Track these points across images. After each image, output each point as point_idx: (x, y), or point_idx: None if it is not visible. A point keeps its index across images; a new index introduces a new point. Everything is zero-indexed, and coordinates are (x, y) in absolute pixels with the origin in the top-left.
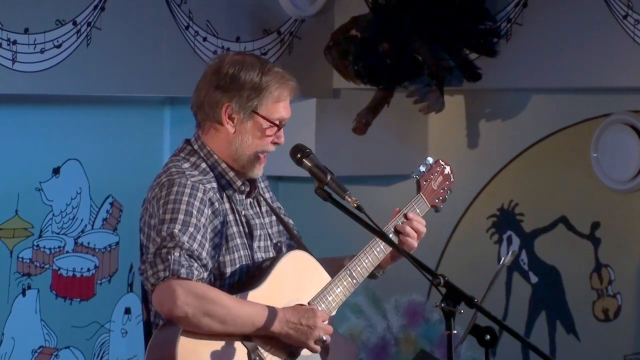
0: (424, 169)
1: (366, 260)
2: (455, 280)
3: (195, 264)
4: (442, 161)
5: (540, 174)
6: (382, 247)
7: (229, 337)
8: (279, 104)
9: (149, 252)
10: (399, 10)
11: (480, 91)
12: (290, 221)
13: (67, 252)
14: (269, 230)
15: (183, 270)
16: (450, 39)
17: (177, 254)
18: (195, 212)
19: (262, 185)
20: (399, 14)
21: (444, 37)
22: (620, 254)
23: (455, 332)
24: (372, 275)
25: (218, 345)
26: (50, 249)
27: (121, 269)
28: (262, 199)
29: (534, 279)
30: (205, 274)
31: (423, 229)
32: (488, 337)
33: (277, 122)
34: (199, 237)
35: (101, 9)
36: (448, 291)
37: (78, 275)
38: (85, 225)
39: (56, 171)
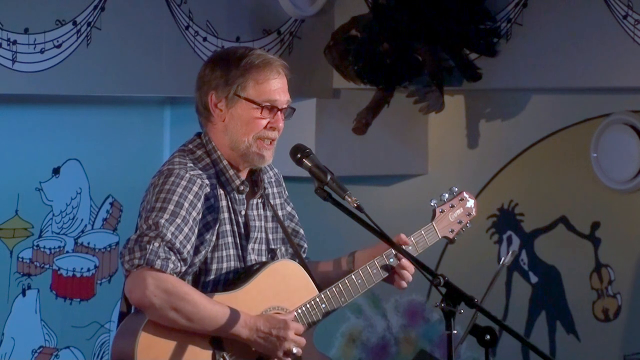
0: (445, 197)
1: (359, 280)
2: (455, 280)
3: (173, 257)
4: (466, 193)
5: (540, 174)
6: (378, 268)
7: (197, 336)
8: (264, 85)
9: (131, 238)
10: (399, 10)
11: (480, 91)
12: (301, 231)
13: (67, 252)
14: (270, 236)
15: (158, 262)
16: (450, 39)
17: (156, 244)
18: (186, 204)
19: (274, 190)
20: (399, 14)
21: (444, 37)
22: (620, 254)
23: (455, 332)
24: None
25: (182, 341)
26: (50, 249)
27: (121, 269)
28: (269, 205)
29: (534, 279)
30: (184, 268)
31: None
32: (488, 337)
33: (265, 104)
34: (185, 229)
35: (101, 9)
36: (448, 291)
37: (78, 275)
38: (85, 225)
39: (56, 171)
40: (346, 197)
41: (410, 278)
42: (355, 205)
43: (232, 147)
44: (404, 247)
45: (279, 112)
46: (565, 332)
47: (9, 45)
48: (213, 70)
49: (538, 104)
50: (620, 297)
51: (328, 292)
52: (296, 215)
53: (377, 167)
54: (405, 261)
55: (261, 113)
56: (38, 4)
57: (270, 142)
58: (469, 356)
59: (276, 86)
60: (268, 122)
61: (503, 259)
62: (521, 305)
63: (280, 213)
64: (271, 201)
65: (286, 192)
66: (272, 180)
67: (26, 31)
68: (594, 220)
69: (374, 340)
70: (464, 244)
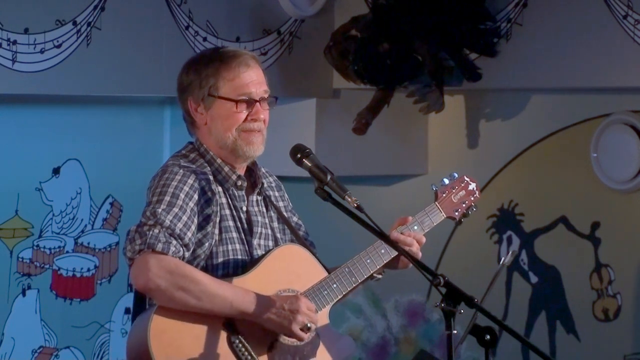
0: (446, 182)
1: (368, 260)
2: (455, 280)
3: (174, 242)
4: (467, 177)
5: (540, 174)
6: (387, 248)
7: (210, 320)
8: (236, 81)
9: (131, 229)
10: (399, 10)
11: (480, 91)
12: (309, 239)
13: (67, 252)
14: (277, 235)
15: (159, 245)
16: (450, 39)
17: (156, 230)
18: (182, 195)
19: (275, 194)
20: (399, 14)
21: (444, 37)
22: (620, 254)
23: (455, 332)
24: (371, 277)
25: (195, 327)
26: (50, 249)
27: (121, 269)
28: (272, 206)
29: (534, 279)
30: (187, 254)
31: (416, 241)
32: (488, 337)
33: (241, 98)
34: (184, 217)
35: (101, 9)
36: (448, 291)
37: (78, 275)
38: (85, 225)
39: (56, 171)
40: (346, 197)
41: (416, 251)
42: (355, 205)
43: (220, 145)
44: (408, 225)
45: (257, 104)
46: (565, 332)
47: (9, 45)
48: (187, 76)
49: (538, 104)
50: (620, 297)
51: (338, 272)
52: (303, 225)
53: (377, 167)
54: (405, 237)
55: (237, 108)
56: (38, 4)
57: (258, 133)
58: (469, 356)
59: (248, 79)
60: (248, 115)
61: (503, 259)
62: (521, 305)
63: (285, 215)
64: (274, 203)
65: (290, 203)
66: (273, 185)
67: (26, 31)
68: (594, 220)
69: (374, 340)
70: (464, 244)
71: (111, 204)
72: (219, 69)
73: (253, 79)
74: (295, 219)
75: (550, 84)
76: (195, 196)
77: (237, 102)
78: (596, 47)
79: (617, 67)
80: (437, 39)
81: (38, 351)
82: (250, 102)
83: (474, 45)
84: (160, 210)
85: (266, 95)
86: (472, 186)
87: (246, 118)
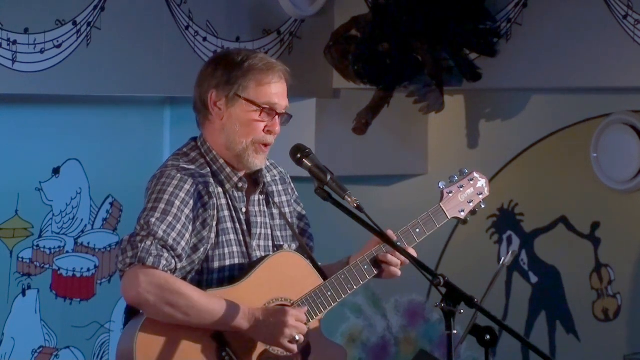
0: (454, 179)
1: (365, 266)
2: (455, 280)
3: (166, 254)
4: (477, 173)
5: (540, 174)
6: (384, 252)
7: (199, 332)
8: (265, 88)
9: (124, 239)
10: (399, 10)
11: (480, 91)
12: (309, 230)
13: (67, 252)
14: (278, 233)
15: (150, 259)
16: (450, 39)
17: (148, 242)
18: (178, 202)
19: (279, 188)
20: (399, 14)
21: (444, 37)
22: (620, 254)
23: (455, 332)
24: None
25: (183, 338)
26: (50, 249)
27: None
28: (272, 202)
29: (534, 279)
30: (179, 264)
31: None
32: (488, 337)
33: (265, 107)
34: (178, 226)
35: (101, 9)
36: (448, 291)
37: (78, 275)
38: (85, 225)
39: (56, 171)
40: (346, 197)
41: (395, 271)
42: (355, 205)
43: (228, 147)
44: (410, 228)
45: (276, 117)
46: (565, 332)
47: (9, 45)
48: (215, 69)
49: (538, 104)
50: (620, 297)
51: (333, 280)
52: (306, 216)
53: (377, 167)
54: (390, 257)
55: (260, 115)
56: (38, 4)
57: (266, 146)
58: (469, 356)
59: (276, 90)
60: (265, 126)
61: (503, 259)
62: (521, 305)
63: (287, 210)
64: (276, 199)
65: (295, 192)
66: (277, 178)
67: (26, 31)
68: (594, 220)
69: (374, 340)
70: (464, 244)
71: (111, 204)
72: (253, 71)
73: (280, 91)
74: (299, 209)
75: (550, 84)
76: (191, 202)
77: (261, 109)
78: (596, 47)
79: (617, 67)
80: (437, 39)
81: (38, 351)
82: (271, 113)
83: (474, 45)
84: (153, 220)
85: (284, 111)
86: (482, 183)
87: (263, 129)
